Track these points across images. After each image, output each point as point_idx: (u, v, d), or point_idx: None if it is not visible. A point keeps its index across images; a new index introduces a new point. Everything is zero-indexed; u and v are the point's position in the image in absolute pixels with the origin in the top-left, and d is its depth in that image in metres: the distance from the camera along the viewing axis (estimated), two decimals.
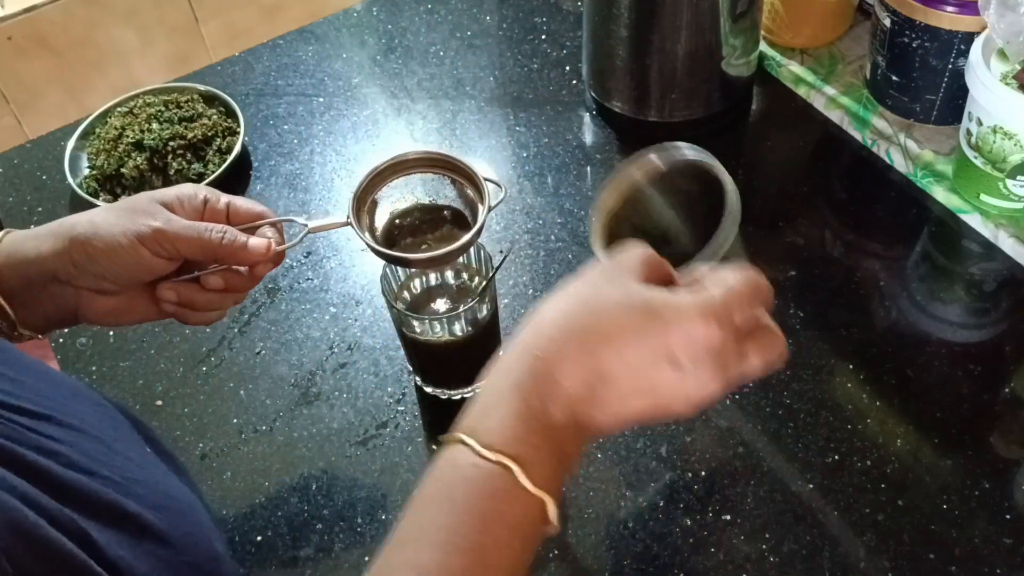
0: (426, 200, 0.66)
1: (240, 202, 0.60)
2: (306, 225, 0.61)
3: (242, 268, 0.59)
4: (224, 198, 0.59)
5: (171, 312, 0.59)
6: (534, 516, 0.40)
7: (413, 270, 0.69)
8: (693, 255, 0.53)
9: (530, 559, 0.41)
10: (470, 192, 0.64)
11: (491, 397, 0.42)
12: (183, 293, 0.58)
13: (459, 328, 0.67)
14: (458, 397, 0.72)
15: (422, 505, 0.40)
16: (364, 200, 0.63)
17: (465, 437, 0.40)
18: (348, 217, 0.61)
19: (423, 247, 0.65)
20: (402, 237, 0.65)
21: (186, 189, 0.59)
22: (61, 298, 0.56)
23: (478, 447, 0.40)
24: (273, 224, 0.60)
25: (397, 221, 0.65)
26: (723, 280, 0.42)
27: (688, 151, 0.53)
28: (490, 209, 0.61)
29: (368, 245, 0.61)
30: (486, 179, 0.62)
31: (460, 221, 0.65)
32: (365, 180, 0.62)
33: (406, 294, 0.70)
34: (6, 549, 0.34)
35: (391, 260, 0.63)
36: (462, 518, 0.39)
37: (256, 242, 0.58)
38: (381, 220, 0.65)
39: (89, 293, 0.56)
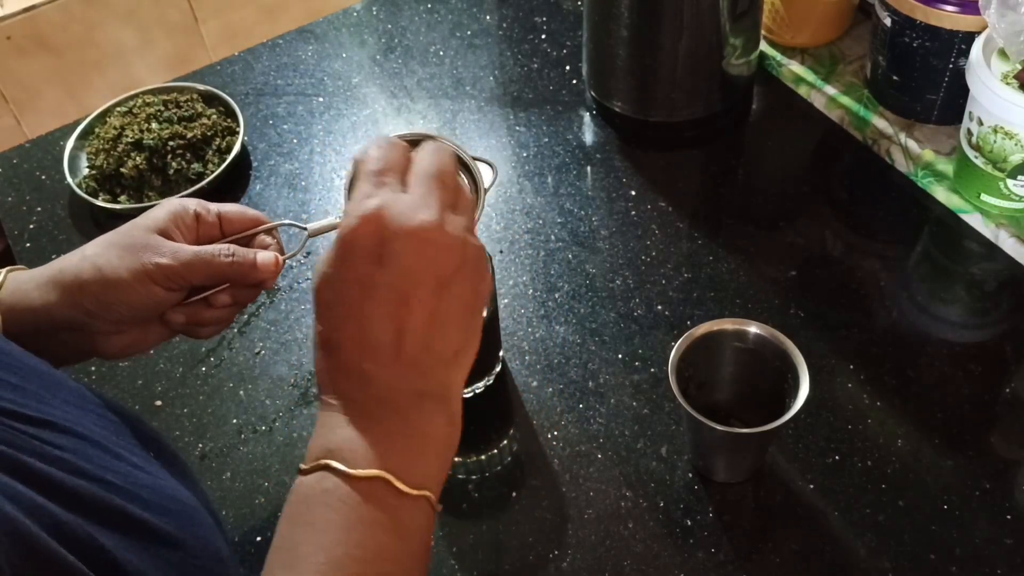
0: None
1: (230, 210, 0.59)
2: (305, 229, 0.61)
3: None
4: (213, 208, 0.59)
5: (180, 331, 0.59)
6: (381, 493, 0.42)
7: None
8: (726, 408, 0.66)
9: (406, 533, 0.43)
10: (463, 177, 0.63)
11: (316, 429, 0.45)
12: (192, 313, 0.58)
13: None
14: None
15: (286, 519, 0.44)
16: None
17: (303, 465, 0.43)
18: None
19: None
20: None
21: (174, 207, 0.58)
22: (73, 343, 0.56)
23: (302, 466, 0.43)
24: (269, 231, 0.60)
25: None
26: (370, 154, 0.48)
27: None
28: (485, 191, 0.60)
29: None
30: (475, 159, 0.61)
31: None
32: (354, 171, 0.62)
33: None
34: (11, 563, 0.33)
35: None
36: (306, 515, 0.42)
37: (264, 258, 0.58)
38: None
39: (105, 335, 0.56)
